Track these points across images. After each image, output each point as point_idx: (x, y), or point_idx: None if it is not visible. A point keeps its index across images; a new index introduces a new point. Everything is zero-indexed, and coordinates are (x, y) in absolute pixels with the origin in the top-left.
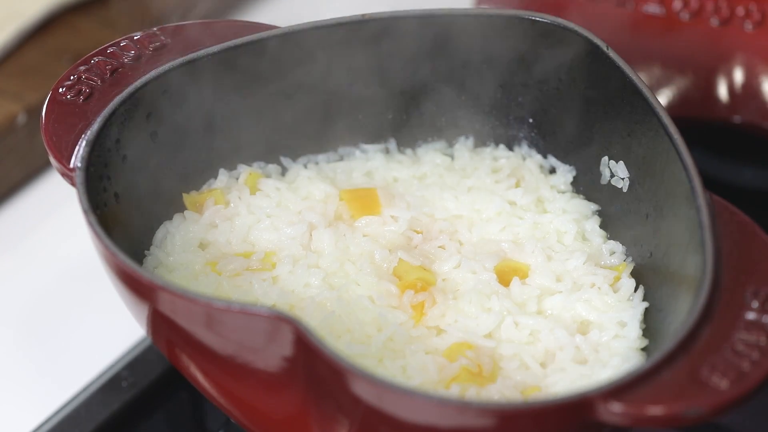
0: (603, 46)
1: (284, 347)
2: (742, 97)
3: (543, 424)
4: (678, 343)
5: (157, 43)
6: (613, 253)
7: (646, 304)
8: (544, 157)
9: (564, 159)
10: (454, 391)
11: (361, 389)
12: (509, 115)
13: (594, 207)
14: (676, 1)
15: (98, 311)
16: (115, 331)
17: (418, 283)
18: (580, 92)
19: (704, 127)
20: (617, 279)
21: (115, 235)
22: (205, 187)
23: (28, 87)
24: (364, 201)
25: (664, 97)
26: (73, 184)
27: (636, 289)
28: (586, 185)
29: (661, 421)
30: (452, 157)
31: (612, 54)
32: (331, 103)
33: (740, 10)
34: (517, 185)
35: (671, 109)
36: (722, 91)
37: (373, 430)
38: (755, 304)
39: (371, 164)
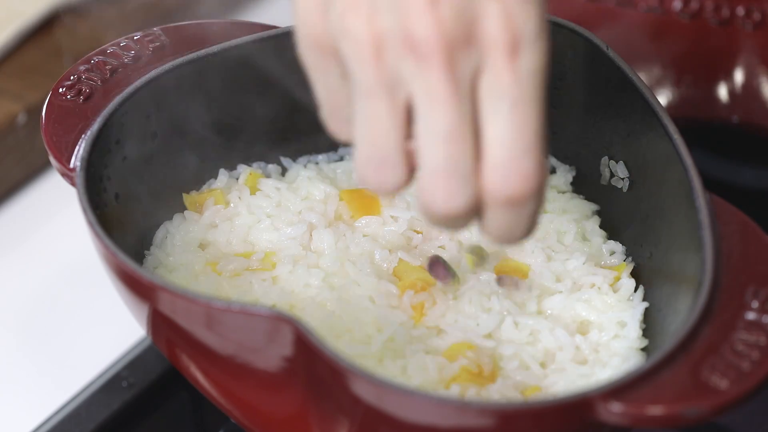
0: (603, 46)
1: (284, 347)
2: (742, 97)
3: (543, 424)
4: (678, 343)
5: (157, 43)
6: (613, 253)
7: (646, 304)
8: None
9: (564, 159)
10: (454, 391)
11: (361, 389)
12: None
13: (594, 207)
14: (676, 1)
15: (98, 311)
16: (115, 331)
17: (418, 283)
18: (580, 92)
19: (704, 127)
20: (617, 279)
21: (115, 235)
22: (205, 187)
23: (28, 87)
24: (364, 201)
25: (664, 97)
26: (73, 184)
27: (636, 289)
28: (586, 185)
29: (661, 421)
30: None
31: (612, 54)
32: None
33: (740, 10)
34: None
35: (671, 109)
36: (722, 91)
37: (373, 430)
38: (755, 304)
39: None
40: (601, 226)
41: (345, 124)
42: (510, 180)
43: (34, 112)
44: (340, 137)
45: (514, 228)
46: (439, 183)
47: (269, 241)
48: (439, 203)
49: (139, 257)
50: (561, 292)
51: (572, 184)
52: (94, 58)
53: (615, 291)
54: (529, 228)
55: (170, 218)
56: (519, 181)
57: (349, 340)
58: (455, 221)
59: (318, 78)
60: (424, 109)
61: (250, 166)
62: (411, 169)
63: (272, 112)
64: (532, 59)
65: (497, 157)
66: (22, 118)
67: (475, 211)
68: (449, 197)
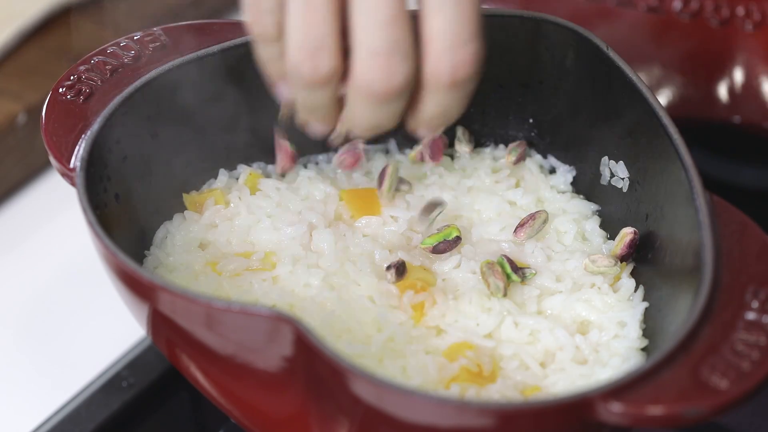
0: (603, 46)
1: (284, 347)
2: (742, 97)
3: (543, 424)
4: (678, 343)
5: (157, 43)
6: None
7: (646, 304)
8: (544, 157)
9: (564, 159)
10: (454, 391)
11: (361, 389)
12: (509, 115)
13: (594, 207)
14: (676, 1)
15: (98, 311)
16: (115, 331)
17: (418, 283)
18: (580, 92)
19: (704, 127)
20: (617, 279)
21: (115, 235)
22: (205, 187)
23: (28, 87)
24: (364, 201)
25: (664, 97)
26: (73, 184)
27: (636, 289)
28: (586, 185)
29: (661, 421)
30: (452, 157)
31: (612, 54)
32: None
33: (740, 10)
34: (517, 185)
35: (671, 109)
36: (722, 91)
37: (373, 430)
38: (755, 304)
39: (371, 164)
40: (601, 226)
41: (264, 15)
42: (456, 65)
43: (34, 112)
44: (256, 29)
45: (450, 110)
46: (380, 63)
47: (269, 241)
48: (378, 82)
49: (139, 257)
50: (561, 292)
51: (572, 184)
52: (94, 58)
53: (615, 291)
54: (460, 109)
55: (170, 218)
56: (464, 66)
57: (349, 340)
58: (391, 103)
59: None
60: None
61: (250, 166)
62: (343, 56)
63: (272, 112)
64: None
65: (443, 46)
66: (22, 118)
67: (408, 93)
68: (390, 74)
